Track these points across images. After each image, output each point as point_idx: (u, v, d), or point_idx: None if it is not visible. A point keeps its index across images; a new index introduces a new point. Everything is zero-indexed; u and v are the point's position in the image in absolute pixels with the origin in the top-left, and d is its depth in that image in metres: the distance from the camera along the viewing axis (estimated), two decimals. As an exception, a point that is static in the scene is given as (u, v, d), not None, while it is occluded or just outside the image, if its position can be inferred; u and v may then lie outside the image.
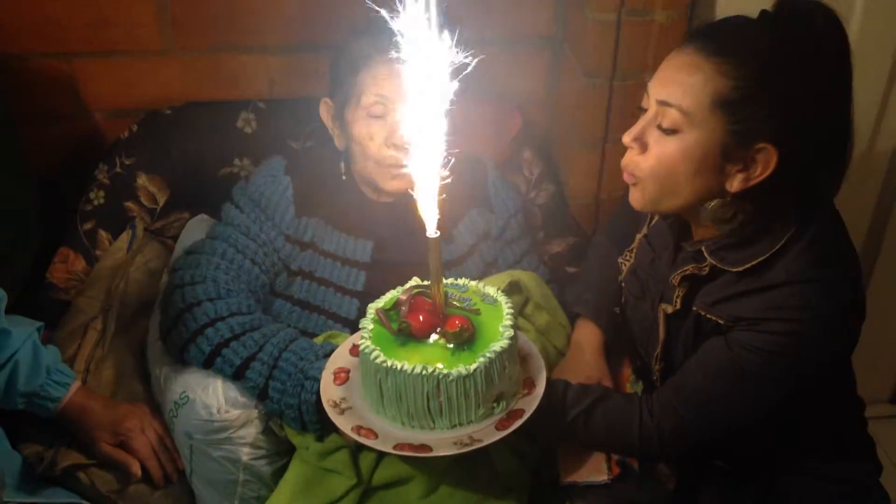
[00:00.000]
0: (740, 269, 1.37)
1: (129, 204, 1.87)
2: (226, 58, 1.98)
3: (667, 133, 1.33)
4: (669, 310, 1.49)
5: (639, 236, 1.62)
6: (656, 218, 1.58)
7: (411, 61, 1.15)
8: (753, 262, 1.35)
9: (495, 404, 1.33)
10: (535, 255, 1.94)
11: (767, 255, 1.34)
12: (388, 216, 1.73)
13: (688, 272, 1.44)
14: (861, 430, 1.63)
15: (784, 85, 1.26)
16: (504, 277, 1.65)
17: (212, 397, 1.51)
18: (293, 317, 1.69)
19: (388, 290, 1.44)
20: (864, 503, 1.57)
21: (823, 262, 1.34)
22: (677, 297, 1.46)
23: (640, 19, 1.85)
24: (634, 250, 1.63)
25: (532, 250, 1.93)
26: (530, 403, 1.35)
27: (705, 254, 1.40)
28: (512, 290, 1.62)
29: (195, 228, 1.87)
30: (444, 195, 1.24)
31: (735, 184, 1.33)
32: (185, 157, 1.92)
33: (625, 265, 1.64)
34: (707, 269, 1.41)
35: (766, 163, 1.30)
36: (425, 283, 1.38)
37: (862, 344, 1.47)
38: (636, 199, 1.42)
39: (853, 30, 1.29)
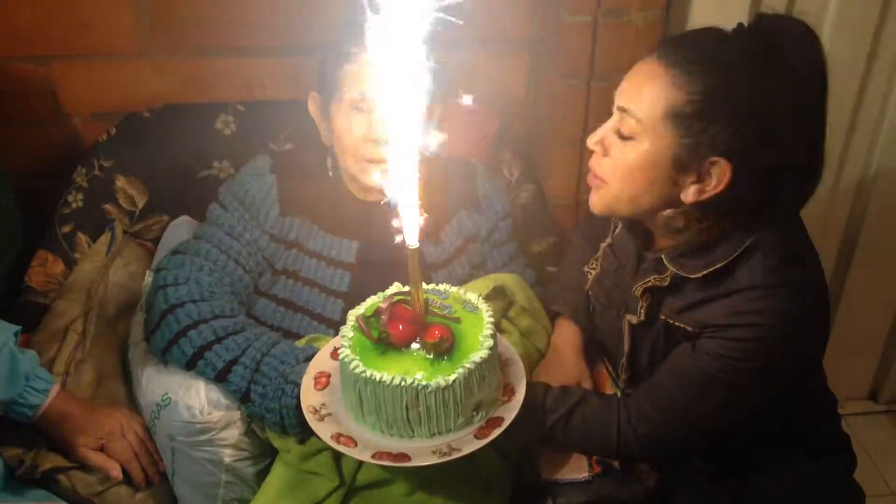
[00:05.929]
0: (698, 275, 1.37)
1: (108, 206, 1.87)
2: (204, 60, 1.97)
3: (623, 139, 1.34)
4: (634, 320, 1.48)
5: (603, 245, 1.61)
6: (619, 227, 1.58)
7: (391, 59, 1.14)
8: (711, 269, 1.36)
9: (474, 413, 1.33)
10: (523, 258, 1.92)
11: (726, 261, 1.35)
12: (375, 216, 1.67)
13: (649, 284, 1.43)
14: (835, 426, 1.64)
15: (746, 100, 1.26)
16: (488, 282, 1.64)
17: (194, 399, 1.51)
18: (277, 317, 1.67)
19: (373, 291, 1.44)
20: (839, 499, 1.59)
21: (784, 266, 1.34)
22: (641, 309, 1.46)
23: (617, 21, 1.85)
24: (599, 259, 1.62)
25: (519, 254, 1.91)
26: (510, 411, 1.35)
27: (665, 261, 1.41)
28: (495, 295, 1.61)
29: (178, 230, 1.87)
30: (431, 198, 1.23)
31: (689, 195, 1.33)
32: (163, 159, 1.91)
33: (590, 273, 1.63)
34: (668, 279, 1.41)
35: (720, 176, 1.30)
36: (406, 288, 1.38)
37: (840, 343, 1.48)
38: (594, 202, 1.43)
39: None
